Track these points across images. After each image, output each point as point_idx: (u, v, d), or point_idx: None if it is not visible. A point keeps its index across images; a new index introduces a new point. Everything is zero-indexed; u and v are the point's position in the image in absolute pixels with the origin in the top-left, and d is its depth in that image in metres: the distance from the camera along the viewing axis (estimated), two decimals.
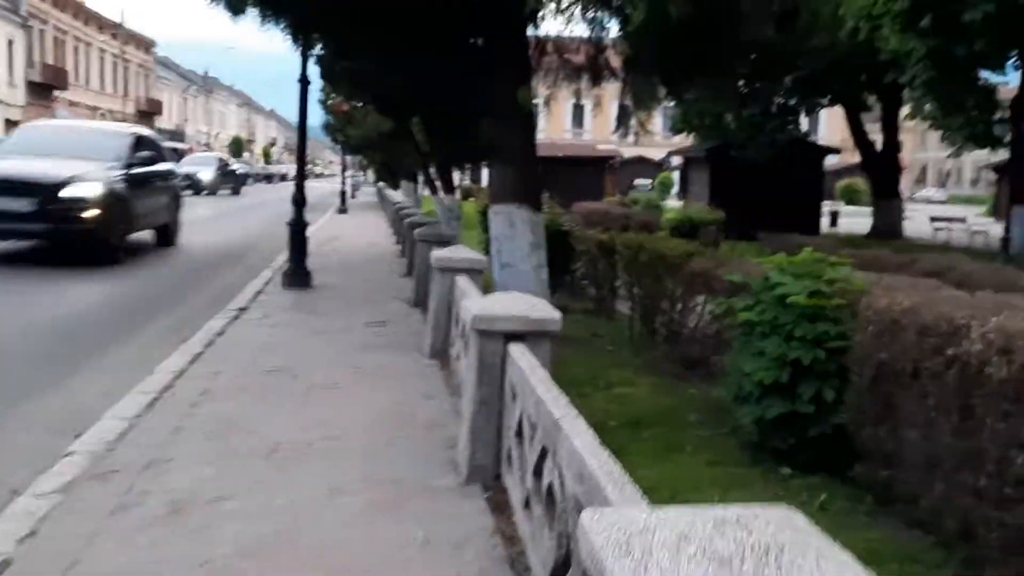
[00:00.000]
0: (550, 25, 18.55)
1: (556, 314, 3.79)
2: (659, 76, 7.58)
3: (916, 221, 29.76)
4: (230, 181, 43.41)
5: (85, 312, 9.06)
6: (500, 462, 3.77)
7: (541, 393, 2.94)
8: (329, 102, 32.18)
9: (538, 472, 2.91)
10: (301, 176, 10.61)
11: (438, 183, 16.34)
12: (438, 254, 6.82)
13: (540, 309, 3.80)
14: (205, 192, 37.57)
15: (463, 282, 5.96)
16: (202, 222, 22.40)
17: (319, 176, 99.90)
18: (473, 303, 3.94)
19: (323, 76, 15.65)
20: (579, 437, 2.41)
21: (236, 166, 48.79)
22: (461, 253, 6.95)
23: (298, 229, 10.44)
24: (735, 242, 17.21)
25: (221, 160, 44.95)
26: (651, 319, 9.39)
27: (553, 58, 10.40)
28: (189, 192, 32.84)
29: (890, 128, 28.69)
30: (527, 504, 3.09)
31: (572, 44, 10.36)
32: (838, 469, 5.34)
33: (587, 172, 45.43)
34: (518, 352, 3.58)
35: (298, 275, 10.40)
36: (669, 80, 7.82)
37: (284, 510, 3.48)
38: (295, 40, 11.54)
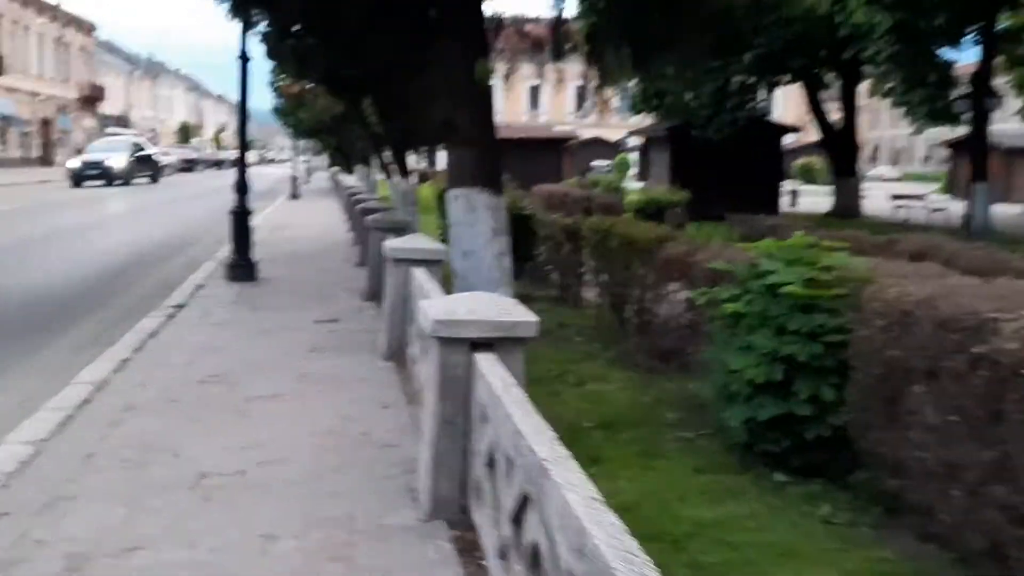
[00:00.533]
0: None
1: (532, 317, 3.22)
2: (628, 47, 7.02)
3: (872, 199, 29.73)
4: (146, 168, 38.12)
5: (4, 307, 8.30)
6: (467, 492, 3.19)
7: (518, 422, 2.36)
8: (278, 84, 31.15)
9: (517, 521, 2.34)
10: (243, 161, 9.86)
11: (392, 167, 15.63)
12: (392, 244, 6.19)
13: (512, 311, 3.22)
14: (118, 182, 33.42)
15: (421, 276, 5.36)
16: (140, 213, 21.39)
17: (271, 162, 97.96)
18: (433, 305, 3.34)
19: (269, 55, 14.80)
20: (574, 491, 1.83)
21: (152, 150, 42.55)
22: (418, 243, 6.33)
23: (241, 217, 9.71)
24: (700, 223, 16.77)
25: (135, 144, 38.88)
26: (621, 308, 8.87)
27: (511, 32, 9.77)
28: (97, 183, 31.66)
29: (849, 106, 28.55)
30: (503, 555, 2.52)
31: (529, 20, 9.78)
32: (837, 475, 4.87)
33: (544, 154, 44.80)
34: (487, 364, 3.00)
35: (242, 267, 9.69)
36: (639, 52, 7.26)
37: (206, 564, 2.87)
38: (235, 14, 10.78)
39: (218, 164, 69.41)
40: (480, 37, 8.92)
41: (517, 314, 3.19)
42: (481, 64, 8.09)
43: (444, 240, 14.50)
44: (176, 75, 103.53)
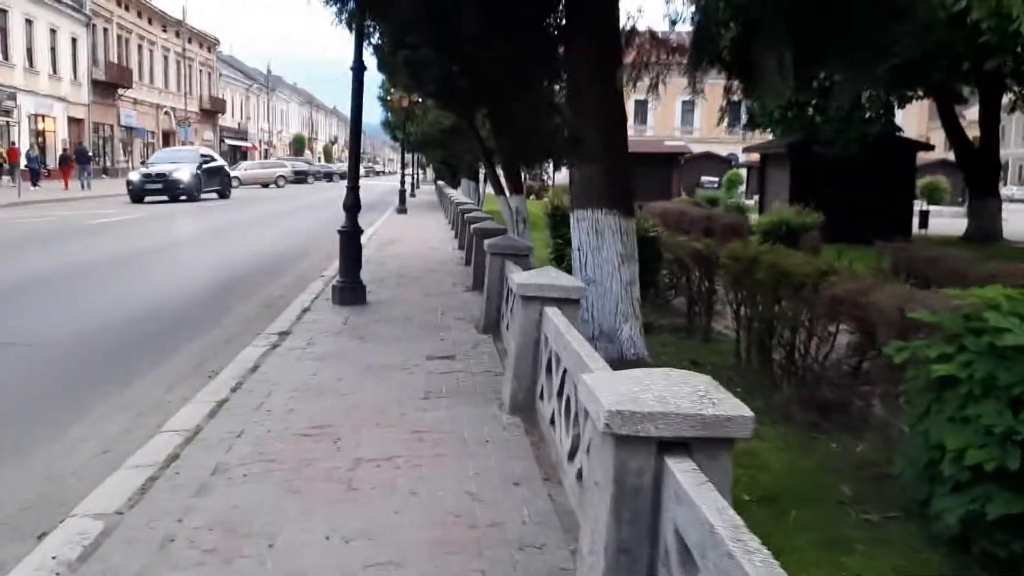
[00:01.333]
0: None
1: (746, 411, 2.33)
2: (790, 51, 6.04)
3: (1012, 222, 27.33)
4: (214, 183, 34.32)
5: (101, 332, 7.89)
6: None
7: None
8: (388, 98, 31.11)
9: None
10: (355, 176, 9.28)
11: (504, 182, 14.97)
12: (522, 280, 5.36)
13: (716, 399, 2.34)
14: (183, 198, 30.33)
15: (558, 320, 4.51)
16: (247, 226, 21.39)
17: (379, 174, 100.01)
18: (603, 384, 2.47)
19: (380, 67, 14.39)
20: None
21: (219, 162, 37.48)
22: (551, 278, 5.48)
23: (351, 238, 9.12)
24: (839, 250, 15.37)
25: (204, 156, 35.24)
26: (767, 349, 7.80)
27: (645, 40, 8.81)
28: (160, 198, 29.15)
29: (990, 121, 26.34)
30: None
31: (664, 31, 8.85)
32: None
33: (655, 169, 43.56)
34: (688, 481, 2.12)
35: (351, 290, 9.10)
36: (803, 58, 6.26)
37: None
38: (350, 25, 10.28)
39: (329, 176, 71.20)
40: (615, 44, 8.07)
41: (725, 405, 2.31)
42: (620, 72, 7.26)
43: (557, 261, 13.69)
44: (292, 89, 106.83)
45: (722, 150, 64.47)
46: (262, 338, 7.31)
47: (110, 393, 5.82)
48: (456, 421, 4.92)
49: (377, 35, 14.15)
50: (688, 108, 74.11)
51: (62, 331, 7.82)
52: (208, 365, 6.64)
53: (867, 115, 23.95)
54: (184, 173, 30.85)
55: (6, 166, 37.65)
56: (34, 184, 36.23)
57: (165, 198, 29.52)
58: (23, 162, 36.54)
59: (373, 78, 39.38)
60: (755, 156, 66.35)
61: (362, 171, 67.14)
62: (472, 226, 11.02)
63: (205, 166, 33.30)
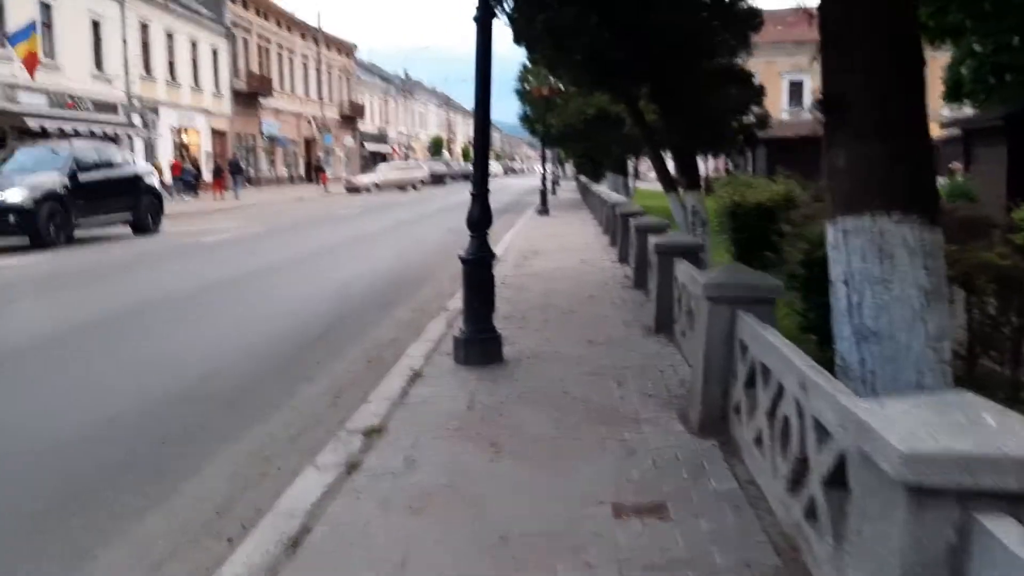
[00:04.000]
0: None
1: None
2: None
3: None
4: (113, 206, 18.89)
5: (157, 402, 5.33)
6: None
7: None
8: (526, 85, 28.52)
9: None
10: (483, 176, 6.28)
11: (675, 175, 11.81)
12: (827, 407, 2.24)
13: None
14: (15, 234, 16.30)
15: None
16: (365, 241, 19.06)
17: (516, 172, 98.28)
18: None
19: (517, 38, 11.52)
20: None
21: (129, 167, 20.29)
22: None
23: (478, 268, 6.21)
24: None
25: (84, 158, 18.51)
26: None
27: None
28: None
29: None
30: None
31: None
32: None
33: (815, 151, 38.69)
34: None
35: (479, 343, 6.21)
36: None
37: None
38: None
39: (467, 177, 70.06)
40: None
41: None
42: None
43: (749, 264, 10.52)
44: (429, 91, 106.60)
45: None
46: (338, 443, 4.51)
47: (144, 514, 3.17)
48: None
49: None
50: (796, 88, 67.76)
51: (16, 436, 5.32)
52: (244, 498, 3.92)
53: None
54: (18, 195, 16.21)
55: (167, 180, 38.64)
56: (186, 195, 37.99)
57: None
58: (163, 175, 36.63)
59: (509, 70, 36.95)
60: (943, 133, 59.69)
61: (497, 169, 65.42)
62: (652, 240, 7.86)
63: (85, 176, 17.87)
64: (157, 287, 11.13)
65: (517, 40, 11.78)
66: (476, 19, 5.98)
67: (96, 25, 36.65)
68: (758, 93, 11.59)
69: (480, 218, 6.19)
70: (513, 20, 11.39)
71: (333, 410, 5.52)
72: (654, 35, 10.45)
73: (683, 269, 6.37)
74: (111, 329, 8.35)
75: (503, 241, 16.44)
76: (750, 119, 12.07)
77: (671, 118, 11.26)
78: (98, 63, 36.86)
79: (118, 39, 38.25)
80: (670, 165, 12.89)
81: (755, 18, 11.25)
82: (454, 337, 6.36)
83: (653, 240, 7.68)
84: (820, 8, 5.66)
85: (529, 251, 14.56)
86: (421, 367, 6.20)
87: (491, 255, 6.34)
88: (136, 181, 19.83)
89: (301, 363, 6.86)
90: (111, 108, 37.22)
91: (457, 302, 8.89)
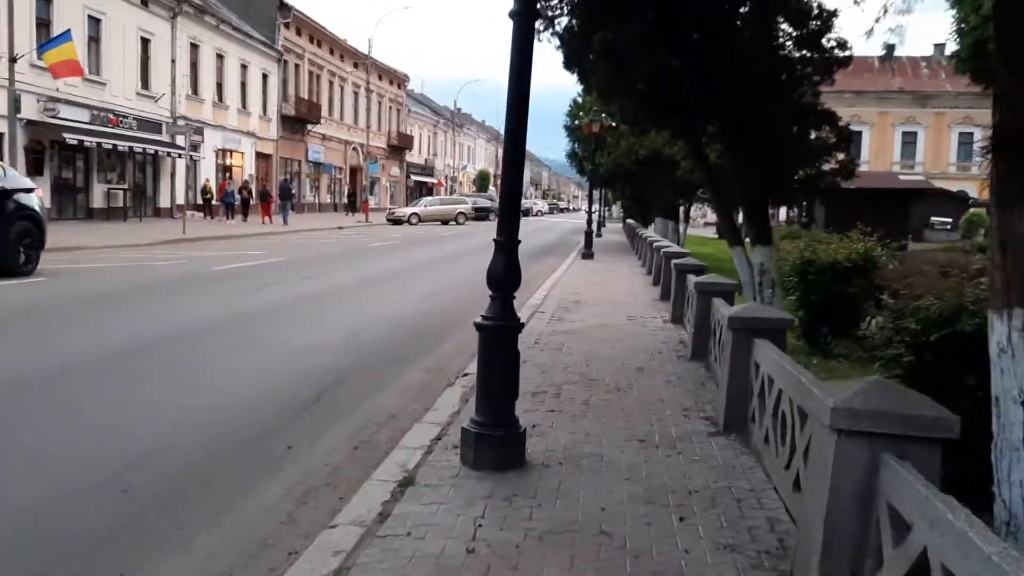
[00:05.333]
0: None
1: None
2: None
3: None
4: None
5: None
6: None
7: None
8: (576, 121, 27.20)
9: None
10: (512, 217, 4.76)
11: (745, 227, 10.24)
12: None
13: None
14: None
15: None
16: (390, 279, 17.64)
17: (563, 211, 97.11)
18: None
19: (567, 63, 10.12)
20: None
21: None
22: None
23: (498, 341, 4.68)
24: None
25: None
26: None
27: None
28: None
29: None
30: None
31: None
32: None
33: (886, 208, 36.80)
34: None
35: (495, 440, 4.66)
36: None
37: None
38: None
39: None
40: None
41: None
42: None
43: (809, 341, 9.01)
44: (479, 125, 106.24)
45: (949, 187, 55.71)
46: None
47: None
48: None
49: (565, 14, 9.92)
50: (909, 139, 65.66)
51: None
52: None
53: None
54: None
55: (214, 201, 39.38)
56: (228, 218, 38.10)
57: None
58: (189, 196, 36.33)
59: (559, 104, 35.77)
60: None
61: (544, 206, 64.40)
62: (722, 309, 6.22)
63: None
64: (94, 340, 9.74)
65: (568, 65, 10.37)
66: (513, 14, 4.53)
67: (145, 42, 36.31)
68: (844, 136, 9.98)
69: (504, 274, 4.67)
70: (564, 41, 10.01)
71: (283, 534, 4.01)
72: (729, 64, 8.98)
73: (768, 356, 4.78)
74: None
75: (543, 287, 14.93)
76: (832, 165, 10.43)
77: (741, 161, 9.72)
78: (144, 81, 36.46)
79: (166, 58, 37.88)
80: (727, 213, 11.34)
81: (844, 49, 9.72)
82: (463, 428, 4.81)
83: (724, 310, 6.08)
84: (996, 20, 4.14)
85: (570, 301, 13.02)
86: (415, 468, 4.67)
87: (517, 323, 4.81)
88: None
89: (268, 446, 5.37)
90: (155, 127, 36.74)
91: (474, 368, 7.42)
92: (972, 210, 52.60)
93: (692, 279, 9.07)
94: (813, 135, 10.12)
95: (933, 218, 48.97)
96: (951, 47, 20.58)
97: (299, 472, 4.91)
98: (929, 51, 68.58)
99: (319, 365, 7.85)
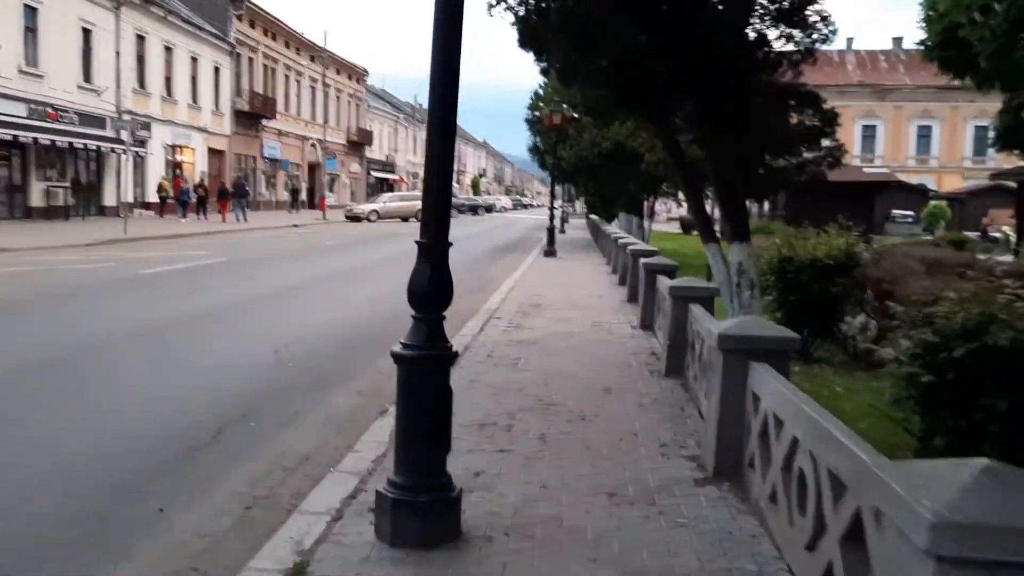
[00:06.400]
0: None
1: None
2: None
3: None
4: None
5: None
6: None
7: None
8: (537, 114, 26.11)
9: None
10: (440, 214, 3.61)
11: (720, 221, 9.20)
12: None
13: None
14: None
15: None
16: (334, 282, 16.37)
17: (527, 207, 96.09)
18: None
19: (523, 40, 9.00)
20: None
21: None
22: None
23: (426, 378, 3.53)
24: None
25: None
26: None
27: None
28: None
29: None
30: None
31: None
32: None
33: (853, 201, 36.33)
34: None
35: (418, 509, 3.52)
36: None
37: None
38: None
39: (474, 209, 68.50)
40: None
41: None
42: None
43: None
44: None
45: (909, 180, 55.64)
46: None
47: None
48: None
49: None
50: (869, 132, 65.73)
51: None
52: None
53: None
54: None
55: (169, 199, 38.33)
56: (184, 216, 36.68)
57: None
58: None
59: (523, 99, 34.49)
60: (965, 185, 56.85)
61: (507, 203, 63.64)
62: (709, 326, 5.08)
63: None
64: None
65: (523, 42, 9.22)
66: None
67: (87, 33, 34.51)
68: (831, 120, 8.98)
69: (430, 288, 3.52)
70: (518, 16, 8.88)
71: None
72: (701, 39, 7.92)
73: (773, 389, 3.71)
74: None
75: (501, 289, 13.80)
76: (817, 153, 9.43)
77: (717, 150, 8.67)
78: (86, 74, 34.66)
79: (110, 50, 36.07)
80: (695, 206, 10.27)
81: (827, 24, 8.71)
82: (377, 492, 3.66)
83: (708, 323, 4.99)
84: None
85: (530, 304, 11.91)
86: (314, 545, 3.52)
87: (448, 352, 3.67)
88: None
89: (133, 508, 4.18)
90: (99, 122, 34.97)
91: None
92: (933, 203, 52.48)
93: (665, 282, 8.01)
94: (795, 119, 9.10)
95: (894, 211, 48.63)
96: (918, 34, 19.83)
97: (160, 551, 3.73)
98: (888, 45, 68.69)
99: (230, 388, 6.64)
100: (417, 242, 3.55)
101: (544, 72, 9.30)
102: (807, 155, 9.57)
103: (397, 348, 3.56)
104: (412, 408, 3.54)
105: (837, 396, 7.53)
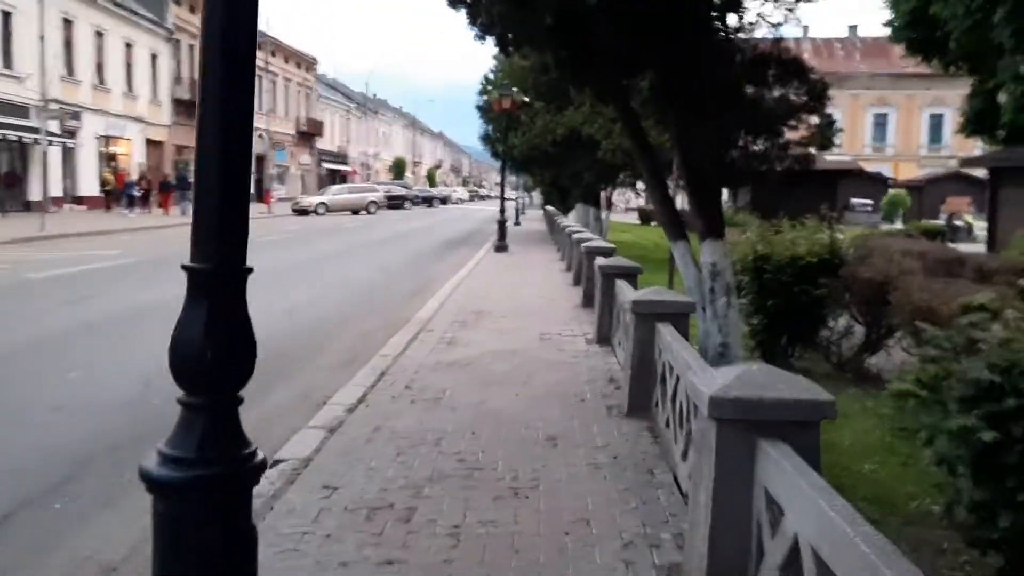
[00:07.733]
0: None
1: None
2: None
3: None
4: None
5: None
6: None
7: None
8: (487, 97, 24.49)
9: None
10: (229, 207, 2.18)
11: (690, 215, 7.67)
12: None
13: None
14: None
15: None
16: (274, 280, 14.66)
17: (484, 198, 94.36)
18: None
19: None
20: None
21: None
22: None
23: (205, 516, 1.98)
24: None
25: None
26: None
27: None
28: None
29: None
30: None
31: None
32: None
33: (813, 189, 35.32)
34: None
35: None
36: None
37: None
38: None
39: (428, 201, 66.85)
40: None
41: None
42: None
43: (767, 356, 6.68)
44: (395, 111, 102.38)
45: (867, 168, 55.18)
46: None
47: None
48: None
49: None
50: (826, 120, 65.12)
51: None
52: None
53: None
54: None
55: (114, 192, 36.86)
56: (127, 209, 34.86)
57: None
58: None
59: (473, 84, 32.76)
60: (924, 173, 56.35)
61: (464, 194, 62.08)
62: (702, 389, 3.54)
63: None
64: None
65: (452, 1, 7.67)
66: None
67: (7, 16, 32.09)
68: (820, 92, 7.54)
69: (211, 350, 1.97)
70: None
71: None
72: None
73: (805, 496, 2.21)
74: None
75: (440, 293, 12.21)
76: (802, 134, 8.00)
77: (684, 132, 7.19)
78: (7, 59, 32.24)
79: (33, 34, 33.60)
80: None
81: None
82: None
83: (700, 385, 3.43)
84: None
85: (471, 311, 10.34)
86: None
87: (248, 466, 2.09)
88: None
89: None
90: (21, 111, 32.58)
91: (348, 395, 4.79)
92: (892, 191, 51.89)
93: (626, 292, 6.49)
94: (777, 93, 7.64)
95: (853, 199, 47.80)
96: (885, 15, 18.63)
97: None
98: (845, 33, 68.21)
99: (52, 446, 4.99)
100: (186, 268, 1.98)
101: (479, 37, 7.76)
102: (791, 136, 8.14)
103: (150, 463, 1.97)
104: (177, 569, 1.96)
105: (831, 425, 6.17)
